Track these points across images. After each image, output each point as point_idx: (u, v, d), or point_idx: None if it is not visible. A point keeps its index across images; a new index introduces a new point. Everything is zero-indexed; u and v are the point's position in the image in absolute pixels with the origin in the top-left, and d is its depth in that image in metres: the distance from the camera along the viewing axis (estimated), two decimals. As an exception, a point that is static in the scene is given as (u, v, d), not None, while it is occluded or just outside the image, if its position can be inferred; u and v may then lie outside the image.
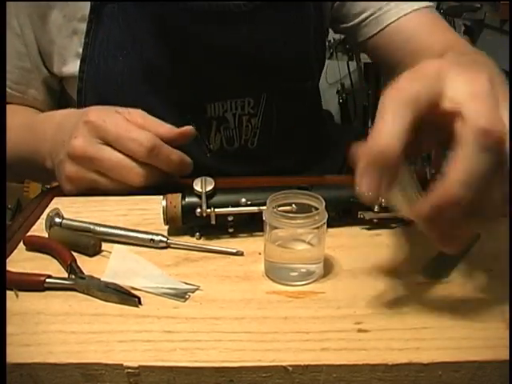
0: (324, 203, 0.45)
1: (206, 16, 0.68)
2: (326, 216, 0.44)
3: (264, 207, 0.50)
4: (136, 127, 0.56)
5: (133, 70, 0.69)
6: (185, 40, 0.68)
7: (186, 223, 0.51)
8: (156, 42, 0.68)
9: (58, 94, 0.78)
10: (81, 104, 0.71)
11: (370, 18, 0.78)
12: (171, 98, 0.70)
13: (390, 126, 0.34)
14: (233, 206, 0.50)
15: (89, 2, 0.67)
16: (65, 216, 0.53)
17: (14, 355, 0.37)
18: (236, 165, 0.74)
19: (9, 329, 0.40)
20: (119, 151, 0.56)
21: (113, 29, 0.68)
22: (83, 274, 0.46)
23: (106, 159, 0.56)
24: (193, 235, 0.52)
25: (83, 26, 0.68)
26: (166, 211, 0.51)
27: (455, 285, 0.45)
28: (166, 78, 0.70)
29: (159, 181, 0.58)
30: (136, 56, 0.69)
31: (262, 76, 0.72)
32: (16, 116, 0.71)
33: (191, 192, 0.51)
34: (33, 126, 0.67)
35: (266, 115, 0.74)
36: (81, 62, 0.69)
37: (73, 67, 0.70)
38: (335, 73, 2.41)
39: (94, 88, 0.70)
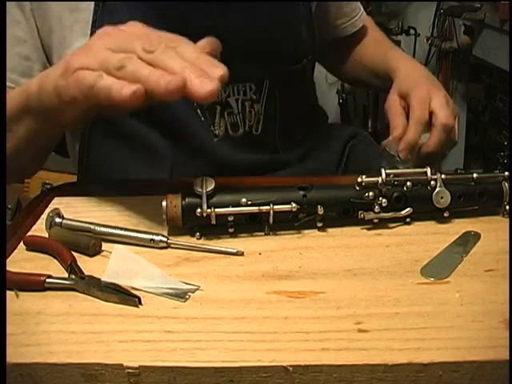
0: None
1: (203, 3, 0.70)
2: None
3: (264, 207, 0.50)
4: None
5: None
6: (182, 27, 0.70)
7: (186, 223, 0.51)
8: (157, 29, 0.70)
9: None
10: None
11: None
12: None
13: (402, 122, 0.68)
14: (233, 206, 0.50)
15: None
16: (65, 216, 0.53)
17: (14, 355, 0.37)
18: (242, 152, 0.75)
19: (9, 329, 0.40)
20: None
21: (117, 20, 0.69)
22: (83, 273, 0.46)
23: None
24: (193, 235, 0.52)
25: (86, 16, 0.69)
26: (166, 211, 0.51)
27: (455, 285, 0.45)
28: None
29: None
30: None
31: (259, 59, 0.75)
32: None
33: (191, 192, 0.51)
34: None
35: (269, 101, 0.76)
36: None
37: None
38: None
39: None
